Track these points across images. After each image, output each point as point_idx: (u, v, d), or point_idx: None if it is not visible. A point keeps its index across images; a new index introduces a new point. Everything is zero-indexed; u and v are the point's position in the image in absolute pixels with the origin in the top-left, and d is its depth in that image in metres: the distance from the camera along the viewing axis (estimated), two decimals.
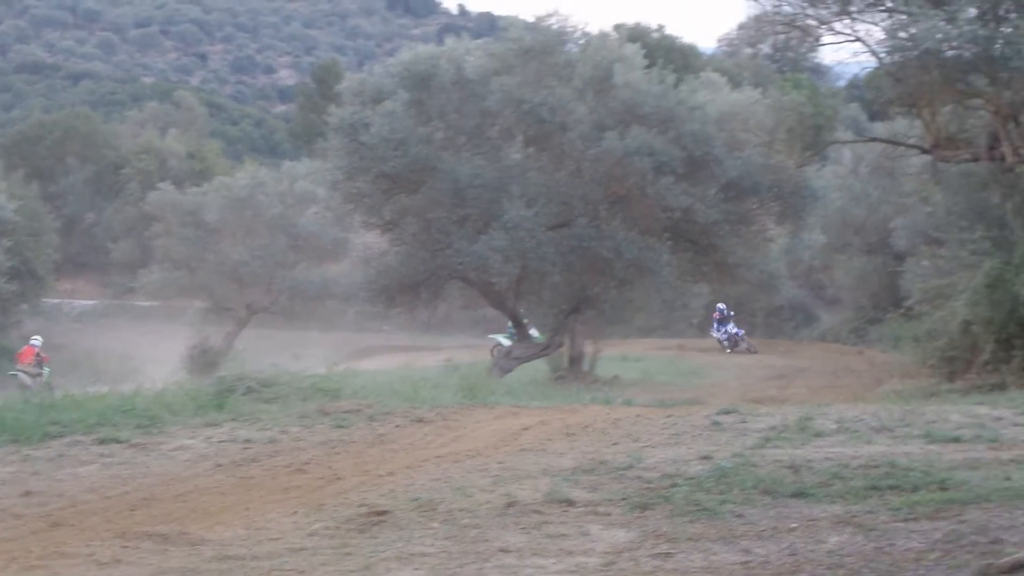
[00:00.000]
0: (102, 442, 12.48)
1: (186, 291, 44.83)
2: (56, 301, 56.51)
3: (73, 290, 62.22)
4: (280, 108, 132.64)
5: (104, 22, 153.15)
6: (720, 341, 41.33)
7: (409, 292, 30.46)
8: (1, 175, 53.03)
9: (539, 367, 32.00)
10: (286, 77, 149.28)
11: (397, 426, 13.81)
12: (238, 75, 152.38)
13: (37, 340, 36.29)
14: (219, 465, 11.42)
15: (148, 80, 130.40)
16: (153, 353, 38.18)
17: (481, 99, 28.86)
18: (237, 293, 43.38)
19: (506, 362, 29.42)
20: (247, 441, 12.66)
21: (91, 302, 60.73)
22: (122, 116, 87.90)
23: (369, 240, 35.96)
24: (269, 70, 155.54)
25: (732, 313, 41.62)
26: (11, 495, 10.08)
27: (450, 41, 30.41)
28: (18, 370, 34.83)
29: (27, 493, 10.14)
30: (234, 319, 43.74)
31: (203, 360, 37.88)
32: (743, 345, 40.75)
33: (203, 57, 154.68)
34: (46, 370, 35.47)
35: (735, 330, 41.23)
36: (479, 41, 31.47)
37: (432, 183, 28.46)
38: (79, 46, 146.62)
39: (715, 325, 41.57)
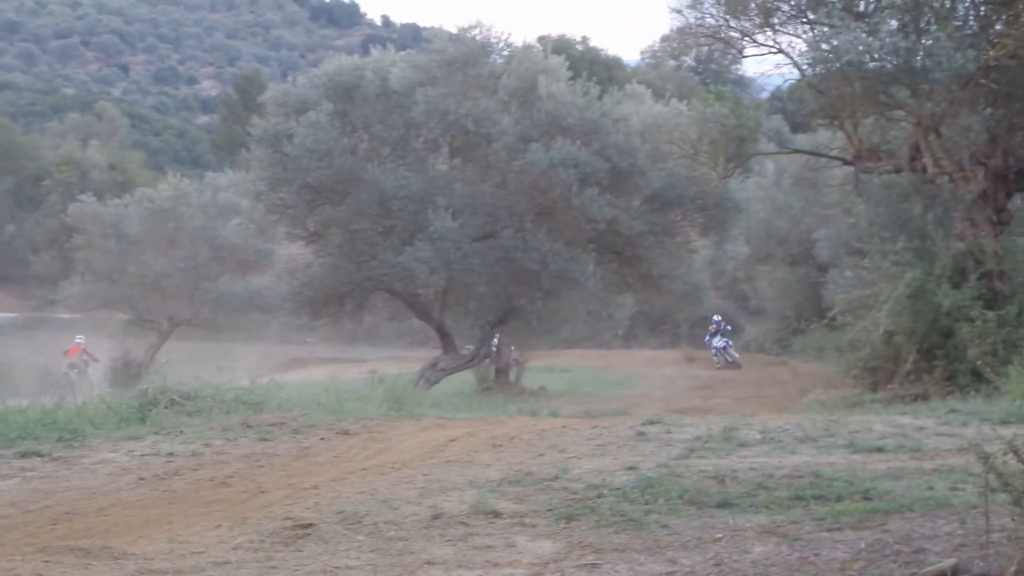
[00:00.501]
0: (23, 456, 12.31)
1: (108, 303, 44.44)
2: None
3: None
4: (202, 119, 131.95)
5: (24, 33, 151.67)
6: (713, 355, 41.22)
7: (334, 303, 30.39)
8: None
9: (465, 379, 31.99)
10: (208, 88, 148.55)
11: (322, 439, 13.72)
12: (160, 86, 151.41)
13: (82, 338, 37.57)
14: (142, 479, 11.29)
15: (69, 91, 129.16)
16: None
17: (406, 110, 28.85)
18: (159, 305, 43.07)
19: (432, 374, 29.37)
20: (170, 454, 12.54)
21: (11, 315, 60.06)
22: (42, 127, 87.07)
23: (293, 251, 35.84)
24: (191, 81, 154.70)
25: (729, 328, 42.20)
26: None
27: (375, 52, 30.36)
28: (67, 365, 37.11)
29: None
30: (156, 331, 43.40)
31: (125, 373, 37.57)
32: (728, 357, 40.50)
33: (125, 68, 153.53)
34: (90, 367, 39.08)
35: (721, 343, 40.69)
36: (403, 52, 31.44)
37: (357, 194, 28.41)
38: None
39: (708, 338, 41.60)
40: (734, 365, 39.37)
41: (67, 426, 14.11)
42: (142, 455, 12.57)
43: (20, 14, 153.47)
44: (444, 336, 30.72)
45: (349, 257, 29.14)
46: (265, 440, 13.51)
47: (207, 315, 43.39)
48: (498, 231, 28.43)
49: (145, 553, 8.19)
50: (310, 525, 8.80)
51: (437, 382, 29.34)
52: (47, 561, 7.94)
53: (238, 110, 73.37)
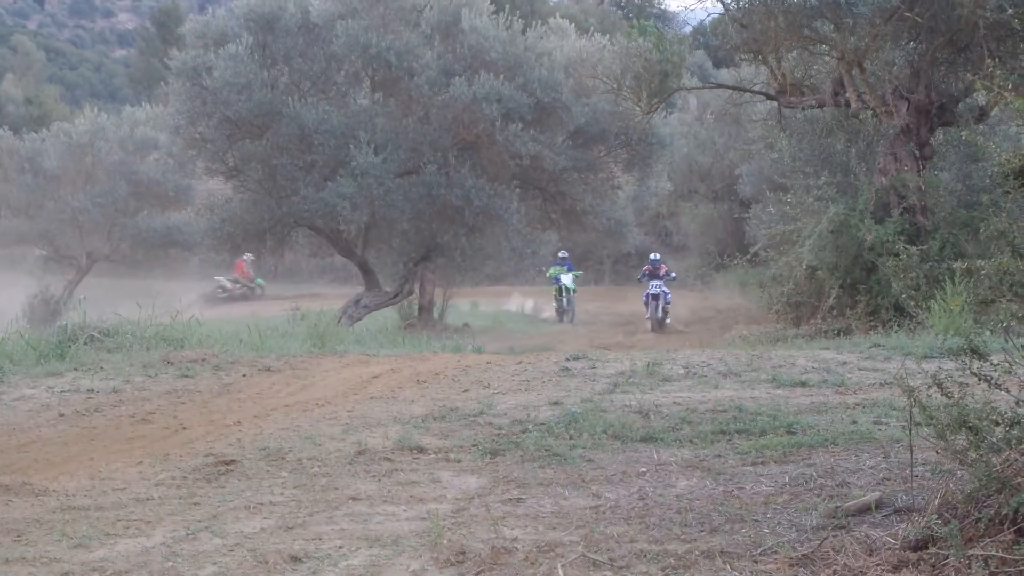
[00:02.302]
0: None
1: (25, 239, 43.84)
2: None
3: None
4: (120, 53, 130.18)
5: None
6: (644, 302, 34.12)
7: (254, 240, 30.14)
8: None
9: (388, 316, 31.91)
10: (125, 21, 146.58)
11: (244, 375, 13.65)
12: (76, 19, 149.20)
13: (249, 256, 38.87)
14: (62, 415, 11.18)
15: None
16: None
17: (327, 43, 28.56)
18: (77, 241, 42.51)
19: (355, 310, 29.24)
20: (90, 391, 12.42)
21: None
22: None
23: (213, 187, 35.50)
24: (108, 14, 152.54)
25: (673, 275, 35.08)
26: None
27: None
28: (226, 278, 42.48)
29: None
30: (75, 267, 42.88)
31: (43, 309, 37.15)
32: (658, 313, 32.95)
33: (40, 1, 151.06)
34: (259, 280, 46.06)
35: (656, 289, 33.03)
36: None
37: (277, 128, 28.11)
38: None
39: (641, 277, 34.99)
40: (661, 325, 32.33)
41: None
42: (62, 391, 12.46)
43: None
44: (367, 273, 30.56)
45: (269, 193, 28.86)
46: (186, 377, 13.43)
47: (126, 251, 42.89)
48: (421, 167, 28.26)
49: (66, 490, 8.11)
50: (232, 462, 8.75)
51: (360, 319, 29.22)
52: None
53: (156, 43, 72.49)
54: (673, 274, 35.20)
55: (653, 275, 33.46)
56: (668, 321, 33.19)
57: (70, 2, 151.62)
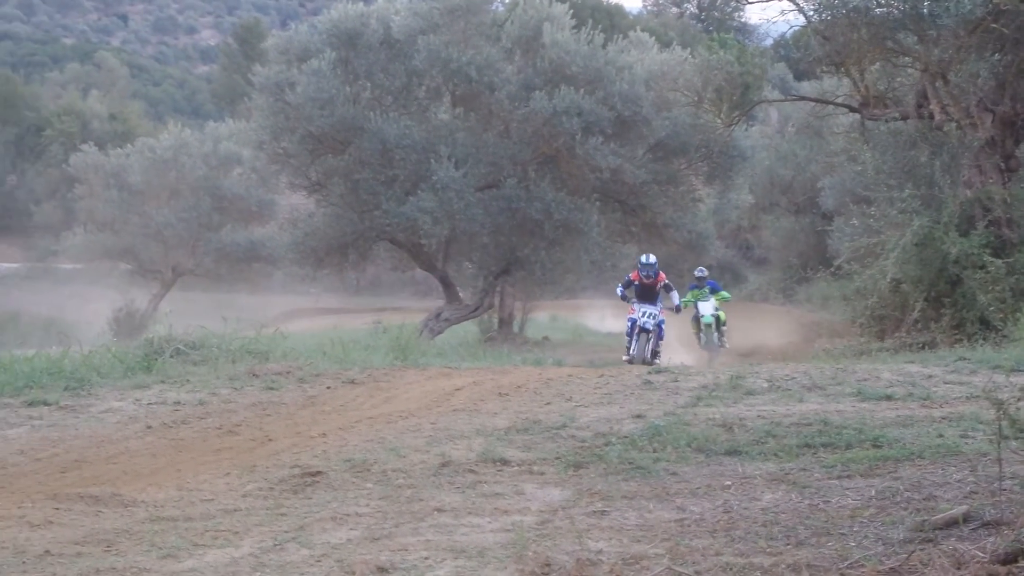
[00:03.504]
0: (31, 404, 12.33)
1: (110, 253, 44.48)
2: None
3: None
4: (202, 69, 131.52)
5: None
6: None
7: (337, 254, 30.34)
8: None
9: (469, 329, 32.00)
10: (208, 37, 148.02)
11: (328, 388, 13.73)
12: (160, 36, 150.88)
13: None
14: (149, 427, 11.30)
15: (69, 41, 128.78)
16: (79, 316, 37.80)
17: (408, 59, 28.71)
18: (162, 255, 43.11)
19: (436, 324, 29.35)
20: (177, 403, 12.54)
21: (14, 265, 60.09)
22: (43, 78, 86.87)
23: (296, 201, 35.75)
24: (191, 30, 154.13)
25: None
26: None
27: (380, 0, 30.19)
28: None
29: None
30: (159, 281, 43.43)
31: (129, 323, 37.60)
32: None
33: (124, 18, 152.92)
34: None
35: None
36: (406, 0, 31.20)
37: (359, 143, 28.30)
38: None
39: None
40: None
41: (73, 375, 14.14)
42: (149, 404, 12.58)
43: None
44: (447, 286, 30.68)
45: (352, 207, 29.06)
46: (271, 389, 13.52)
47: (210, 265, 43.41)
48: (501, 181, 28.34)
49: (155, 500, 8.19)
50: (318, 473, 8.80)
51: (441, 332, 29.34)
52: (58, 508, 7.96)
53: (238, 59, 73.18)
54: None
55: (646, 295, 22.98)
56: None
57: (153, 19, 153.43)
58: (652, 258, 23.35)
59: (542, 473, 8.70)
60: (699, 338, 26.96)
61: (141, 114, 75.79)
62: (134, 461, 9.78)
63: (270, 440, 10.50)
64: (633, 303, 22.93)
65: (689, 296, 26.65)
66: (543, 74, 28.51)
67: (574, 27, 29.24)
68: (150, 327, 27.64)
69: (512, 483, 8.40)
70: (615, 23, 46.24)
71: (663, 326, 23.00)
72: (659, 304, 22.93)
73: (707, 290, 27.08)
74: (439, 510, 7.68)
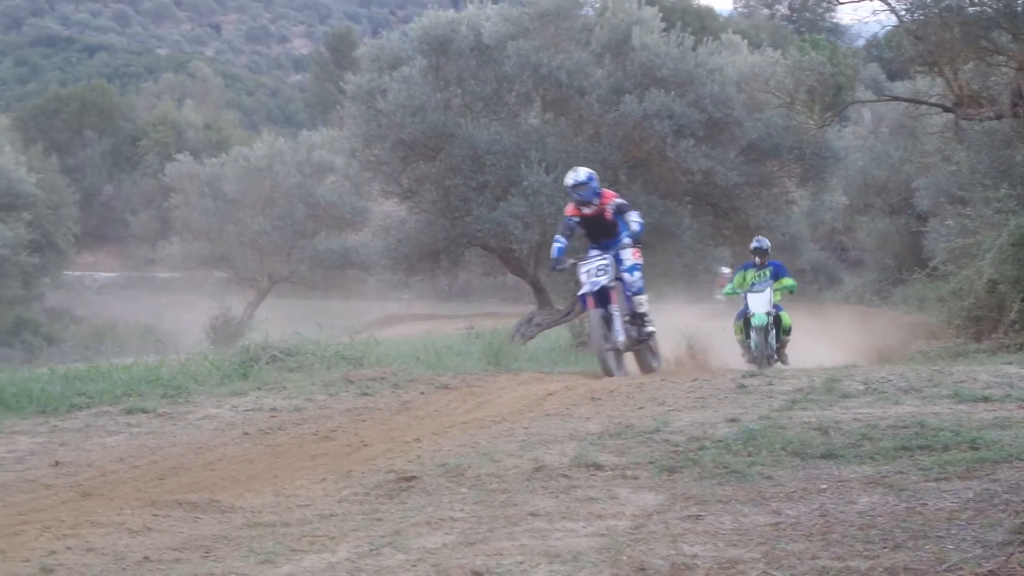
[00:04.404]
0: (129, 412, 12.53)
1: (206, 262, 45.01)
2: (77, 273, 56.76)
3: (94, 262, 62.48)
4: (295, 78, 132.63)
5: None
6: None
7: (429, 260, 30.46)
8: (20, 149, 53.09)
9: (560, 334, 31.98)
10: (300, 46, 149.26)
11: (422, 393, 13.81)
12: (252, 45, 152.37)
13: (726, 269, 38.70)
14: (246, 433, 11.44)
15: (163, 52, 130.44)
16: (175, 324, 38.27)
17: (498, 64, 28.77)
18: (257, 263, 43.54)
19: (528, 329, 29.38)
20: (273, 409, 12.69)
21: (112, 274, 60.96)
22: (138, 88, 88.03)
23: (388, 208, 35.98)
24: (283, 39, 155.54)
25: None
26: (41, 465, 10.12)
27: (470, 6, 30.30)
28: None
29: (57, 463, 10.18)
30: (255, 289, 43.86)
31: (225, 330, 38.03)
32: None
33: (217, 28, 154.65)
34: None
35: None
36: (497, 6, 31.28)
37: (450, 150, 28.40)
38: (93, 18, 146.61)
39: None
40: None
41: (171, 383, 14.34)
42: (246, 410, 12.73)
43: None
44: (539, 291, 30.69)
45: (443, 213, 29.17)
46: (366, 395, 13.63)
47: (304, 272, 43.79)
48: None
49: (252, 506, 8.28)
50: (413, 478, 8.85)
51: (532, 337, 29.35)
52: (156, 515, 8.05)
53: (330, 68, 73.78)
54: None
55: (597, 233, 17.10)
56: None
57: (246, 29, 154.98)
58: (582, 173, 16.75)
59: (636, 478, 8.69)
60: (747, 346, 21.21)
61: (235, 123, 76.65)
62: (231, 467, 9.89)
63: (365, 445, 10.58)
64: (580, 264, 16.64)
65: (737, 280, 21.62)
66: (633, 77, 28.46)
67: (664, 30, 29.17)
68: (246, 334, 27.97)
69: (606, 487, 8.40)
70: (705, 25, 46.07)
71: (637, 273, 16.66)
72: (620, 238, 16.59)
73: (767, 273, 21.27)
74: (533, 515, 7.70)
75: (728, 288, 22.20)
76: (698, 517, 7.48)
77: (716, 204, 29.86)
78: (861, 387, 12.24)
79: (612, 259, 16.42)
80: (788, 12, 77.11)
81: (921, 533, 6.76)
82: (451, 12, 30.46)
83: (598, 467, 9.01)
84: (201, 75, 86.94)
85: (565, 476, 8.77)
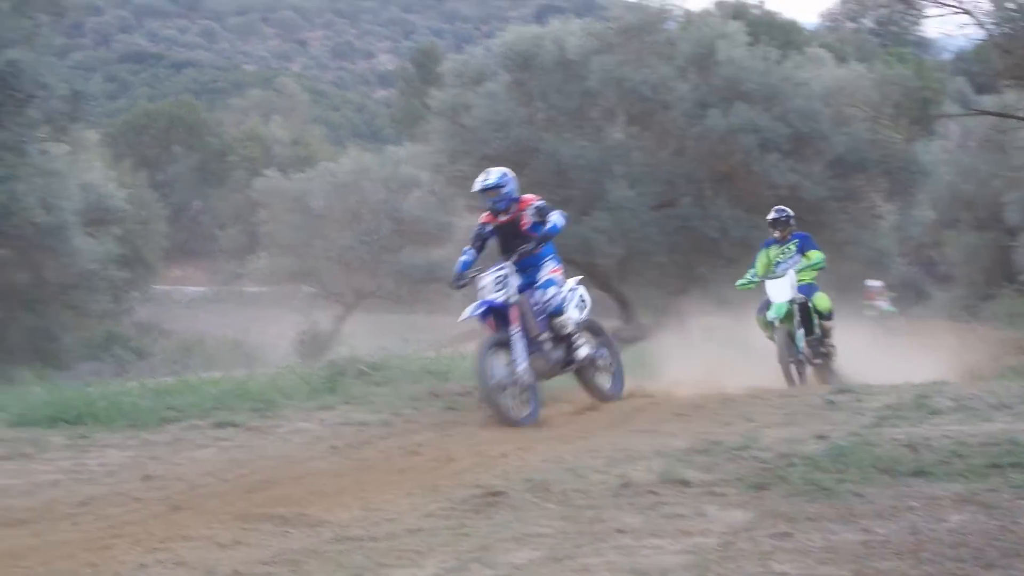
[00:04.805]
0: (219, 426, 12.63)
1: (294, 277, 45.38)
2: (166, 288, 57.33)
3: (183, 277, 63.10)
4: (381, 93, 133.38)
5: (205, 10, 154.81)
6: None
7: None
8: (110, 164, 53.77)
9: (644, 348, 31.87)
10: (385, 62, 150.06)
11: None
12: (338, 61, 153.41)
13: (875, 282, 38.37)
14: (334, 447, 11.50)
15: (250, 67, 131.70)
16: (263, 338, 38.57)
17: (582, 79, 28.83)
18: (344, 278, 43.82)
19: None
20: (361, 423, 12.76)
21: (200, 288, 61.52)
22: (225, 104, 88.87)
23: (473, 222, 36.03)
24: (369, 55, 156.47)
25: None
26: (131, 479, 10.22)
27: (554, 21, 30.40)
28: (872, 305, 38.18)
29: (147, 477, 10.28)
30: (341, 303, 44.14)
31: (313, 344, 38.29)
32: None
33: (303, 43, 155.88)
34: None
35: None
36: (580, 20, 31.33)
37: (534, 164, 28.48)
38: (181, 35, 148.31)
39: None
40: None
41: (260, 396, 14.43)
42: (334, 424, 12.82)
43: None
44: (624, 305, 30.67)
45: None
46: (452, 409, 13.68)
47: (390, 287, 44.01)
48: (677, 199, 28.31)
49: (340, 520, 8.32)
50: (500, 493, 8.84)
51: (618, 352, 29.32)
52: (245, 529, 8.12)
53: (416, 83, 74.06)
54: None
55: (510, 243, 13.84)
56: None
57: (332, 44, 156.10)
58: (494, 174, 14.18)
59: (723, 494, 8.65)
60: (786, 345, 17.28)
61: (321, 139, 77.16)
62: (320, 481, 9.95)
63: (451, 460, 10.61)
64: (478, 277, 13.71)
65: (759, 263, 18.01)
66: (718, 91, 28.44)
67: (748, 43, 29.09)
68: (333, 348, 28.13)
69: (693, 504, 8.37)
70: (790, 39, 45.77)
71: (551, 289, 13.67)
72: (545, 259, 13.84)
73: (792, 248, 17.95)
74: (620, 531, 7.68)
75: (746, 277, 18.03)
76: (787, 535, 7.44)
77: (802, 218, 29.66)
78: (951, 404, 12.12)
79: (512, 269, 13.27)
80: (874, 25, 76.41)
81: (1013, 551, 6.70)
82: (535, 27, 30.54)
83: (685, 484, 8.97)
84: (288, 91, 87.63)
85: (652, 492, 8.75)
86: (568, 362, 13.79)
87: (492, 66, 29.79)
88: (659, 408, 13.38)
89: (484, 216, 14.25)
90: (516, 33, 29.82)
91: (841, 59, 32.04)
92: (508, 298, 13.10)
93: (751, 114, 27.47)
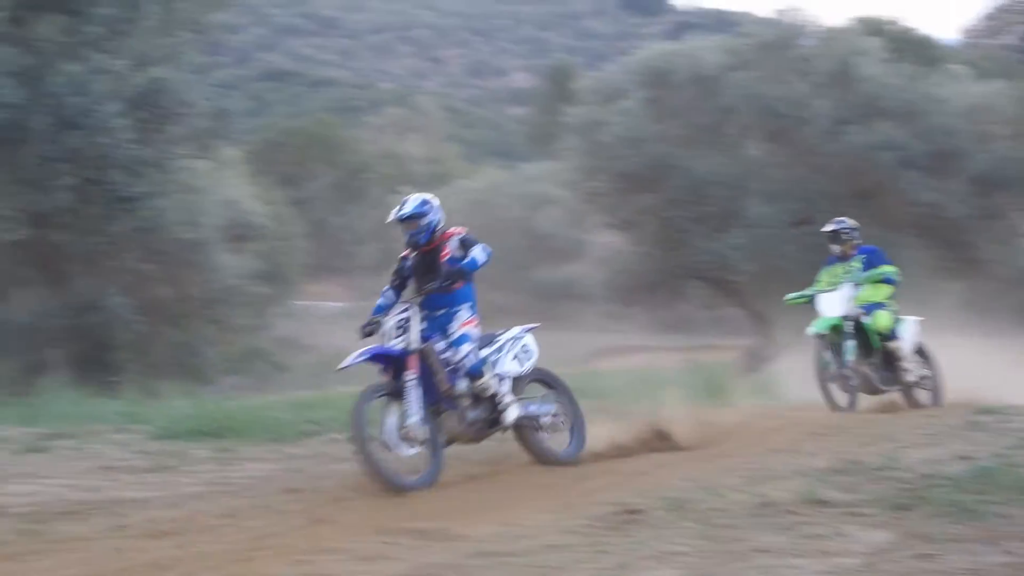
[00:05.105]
0: None
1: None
2: (306, 303, 57.95)
3: (321, 292, 63.76)
4: (515, 111, 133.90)
5: (342, 29, 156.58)
6: None
7: (647, 291, 30.55)
8: (250, 181, 54.60)
9: (785, 367, 31.61)
10: (520, 80, 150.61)
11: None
12: (473, 78, 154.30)
13: None
14: (472, 463, 11.58)
15: (386, 85, 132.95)
16: None
17: (718, 95, 28.75)
18: (479, 294, 44.05)
19: (751, 362, 29.14)
20: (501, 440, 12.81)
21: (339, 304, 62.09)
22: (362, 121, 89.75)
23: (607, 239, 36.11)
24: (503, 73, 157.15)
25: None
26: (273, 491, 10.41)
27: (689, 39, 30.40)
28: None
29: (289, 490, 10.46)
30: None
31: None
32: None
33: (438, 62, 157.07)
34: None
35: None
36: (716, 38, 31.26)
37: (670, 181, 28.45)
38: (319, 53, 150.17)
39: None
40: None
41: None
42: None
43: (338, 10, 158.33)
44: (761, 323, 30.45)
45: (662, 244, 29.25)
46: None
47: (524, 303, 44.14)
48: (814, 216, 28.02)
49: (479, 535, 8.38)
50: (637, 511, 8.85)
51: (757, 370, 29.13)
52: (386, 542, 8.22)
53: (550, 101, 74.27)
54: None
55: (424, 277, 11.97)
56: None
57: (467, 63, 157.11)
58: (412, 202, 12.19)
59: (864, 515, 8.57)
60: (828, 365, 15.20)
61: (457, 156, 77.62)
62: (458, 496, 10.05)
63: (588, 478, 10.63)
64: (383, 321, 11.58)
65: (823, 279, 16.10)
66: (856, 108, 28.20)
67: (887, 60, 28.80)
68: None
69: (833, 525, 8.30)
70: (930, 55, 45.24)
71: (465, 346, 11.56)
72: (460, 306, 11.94)
73: (858, 264, 15.87)
74: (760, 551, 7.65)
75: (799, 292, 16.30)
76: (929, 556, 7.36)
77: (943, 236, 29.28)
78: None
79: (416, 311, 11.34)
80: (1017, 42, 75.12)
81: None
82: (670, 44, 30.53)
83: (825, 504, 8.90)
84: (423, 108, 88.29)
85: (792, 512, 8.69)
86: (493, 423, 11.55)
87: (627, 83, 29.82)
88: (797, 427, 13.27)
89: (405, 251, 12.19)
90: (651, 50, 29.87)
91: (982, 75, 31.58)
92: (408, 345, 11.07)
93: (890, 131, 27.18)
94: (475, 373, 11.29)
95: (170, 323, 27.67)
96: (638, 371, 27.75)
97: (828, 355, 15.04)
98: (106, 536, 8.69)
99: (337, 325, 55.35)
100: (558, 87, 73.48)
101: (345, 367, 11.15)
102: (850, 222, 16.22)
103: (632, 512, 8.85)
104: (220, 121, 27.75)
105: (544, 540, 8.21)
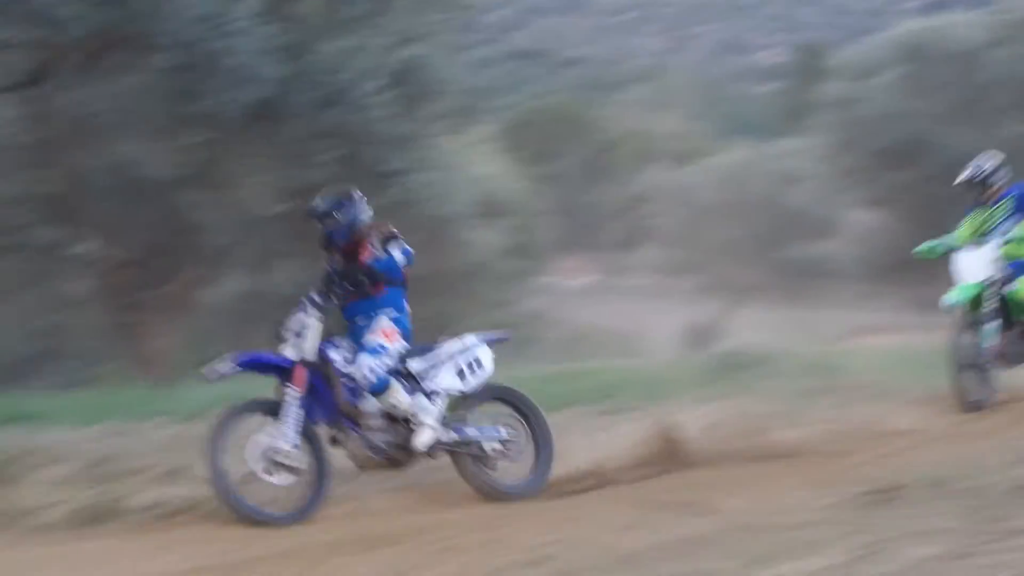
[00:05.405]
0: (605, 413, 12.89)
1: (678, 269, 45.64)
2: (554, 279, 58.40)
3: (570, 268, 64.19)
4: (766, 87, 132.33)
5: (590, 7, 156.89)
6: None
7: (903, 270, 29.97)
8: (501, 159, 55.26)
9: None
10: (772, 56, 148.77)
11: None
12: (722, 55, 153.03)
13: None
14: (725, 437, 11.57)
15: (635, 63, 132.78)
16: (647, 329, 38.91)
17: (976, 72, 28.09)
18: (728, 271, 43.80)
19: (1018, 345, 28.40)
20: (752, 415, 12.77)
21: (587, 280, 62.42)
22: (610, 99, 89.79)
23: (860, 216, 35.56)
24: (756, 48, 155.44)
25: None
26: None
27: (946, 15, 29.77)
28: None
29: None
30: (726, 296, 44.13)
31: (698, 336, 38.44)
32: None
33: (687, 39, 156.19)
34: None
35: None
36: (973, 14, 30.50)
37: (927, 158, 27.90)
38: (567, 32, 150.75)
39: None
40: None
41: (647, 384, 14.65)
42: (722, 416, 12.87)
43: None
44: None
45: (918, 222, 28.66)
46: (842, 406, 13.52)
47: (774, 280, 43.72)
48: None
49: (735, 509, 8.45)
50: (897, 488, 8.78)
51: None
52: (644, 514, 8.37)
53: (804, 76, 73.19)
54: None
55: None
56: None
57: (716, 40, 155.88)
58: (328, 199, 10.14)
59: None
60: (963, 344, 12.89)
61: (707, 133, 77.16)
62: (716, 470, 10.13)
63: (848, 454, 10.58)
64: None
65: (963, 230, 13.86)
66: None
67: None
68: (718, 340, 28.22)
69: None
70: None
71: (372, 360, 9.65)
72: (380, 311, 10.02)
73: (1005, 208, 13.23)
74: (1020, 532, 7.53)
75: (932, 242, 14.05)
76: None
77: None
78: None
79: (316, 315, 9.58)
80: None
81: None
82: (925, 20, 29.92)
83: None
84: (672, 86, 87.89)
85: None
86: (406, 448, 9.73)
87: (883, 59, 29.34)
88: None
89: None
90: (907, 26, 29.31)
91: None
92: (300, 356, 9.42)
93: None
94: (378, 390, 9.57)
95: (425, 297, 28.27)
96: (895, 351, 27.29)
97: (966, 337, 12.69)
98: None
99: (584, 300, 55.82)
100: (810, 64, 72.52)
101: (217, 377, 9.27)
102: (988, 163, 13.21)
103: (891, 489, 8.78)
104: (475, 99, 28.19)
105: (801, 516, 8.22)
